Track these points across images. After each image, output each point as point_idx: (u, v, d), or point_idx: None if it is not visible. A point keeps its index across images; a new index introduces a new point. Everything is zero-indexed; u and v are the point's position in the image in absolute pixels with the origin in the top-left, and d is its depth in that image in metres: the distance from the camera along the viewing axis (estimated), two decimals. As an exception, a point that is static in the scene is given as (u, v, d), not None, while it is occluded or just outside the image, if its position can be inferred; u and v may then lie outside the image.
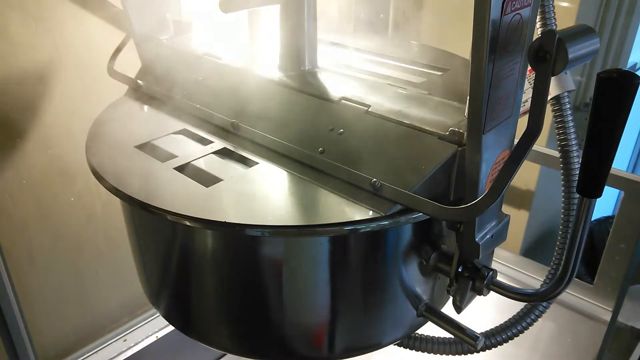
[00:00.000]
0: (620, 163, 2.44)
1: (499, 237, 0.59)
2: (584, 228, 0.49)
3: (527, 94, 0.63)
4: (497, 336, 0.72)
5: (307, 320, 0.62)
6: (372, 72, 0.75)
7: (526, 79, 0.56)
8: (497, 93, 0.49)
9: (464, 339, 0.61)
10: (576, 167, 0.70)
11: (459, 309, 0.60)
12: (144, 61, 0.83)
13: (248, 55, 0.80)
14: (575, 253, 0.51)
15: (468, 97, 0.49)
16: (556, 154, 0.72)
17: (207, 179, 0.60)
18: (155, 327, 1.13)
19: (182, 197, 0.57)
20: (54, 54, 0.89)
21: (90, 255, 1.05)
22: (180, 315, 0.69)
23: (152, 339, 1.11)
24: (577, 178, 0.60)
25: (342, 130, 0.60)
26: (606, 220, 1.78)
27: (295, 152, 0.61)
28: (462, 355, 0.73)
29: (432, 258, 0.60)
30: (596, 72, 0.47)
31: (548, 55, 0.44)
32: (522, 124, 0.51)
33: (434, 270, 0.62)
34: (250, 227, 0.52)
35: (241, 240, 0.57)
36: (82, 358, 1.07)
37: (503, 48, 0.47)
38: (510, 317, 0.73)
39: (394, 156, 0.57)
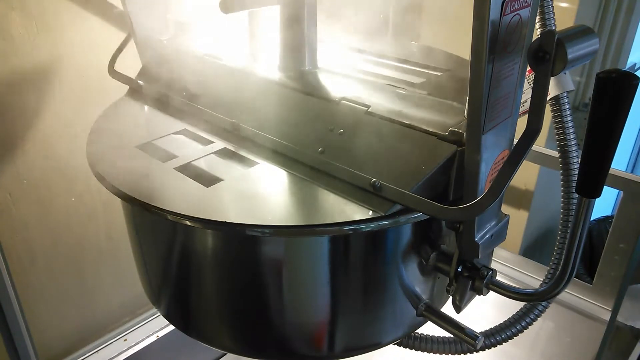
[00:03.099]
0: (620, 163, 2.44)
1: (499, 236, 0.59)
2: (583, 228, 0.49)
3: (527, 94, 0.64)
4: (496, 335, 0.72)
5: (307, 319, 0.62)
6: (372, 73, 0.75)
7: (526, 79, 0.57)
8: (497, 93, 0.49)
9: (464, 339, 0.61)
10: (575, 167, 0.70)
11: (458, 308, 0.60)
12: (145, 61, 0.83)
13: (248, 55, 0.80)
14: (575, 253, 0.51)
15: (468, 97, 0.49)
16: (555, 154, 0.72)
17: (208, 179, 0.60)
18: (156, 327, 1.13)
19: (182, 197, 0.57)
20: (55, 54, 0.89)
21: (91, 255, 1.05)
22: (181, 314, 0.69)
23: (153, 338, 1.11)
24: (576, 178, 0.60)
25: (342, 130, 0.60)
26: (605, 220, 1.78)
27: (295, 152, 0.61)
28: (462, 355, 0.73)
29: (432, 258, 0.60)
30: (595, 72, 0.47)
31: (547, 55, 0.44)
32: (522, 124, 0.51)
33: (433, 270, 0.62)
34: (250, 227, 0.52)
35: (241, 240, 0.58)
36: (82, 357, 1.07)
37: (502, 48, 0.47)
38: (510, 316, 0.74)
39: (394, 156, 0.57)
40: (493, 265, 0.61)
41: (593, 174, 0.47)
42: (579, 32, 0.46)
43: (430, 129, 0.56)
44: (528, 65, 0.47)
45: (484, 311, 0.85)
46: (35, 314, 0.99)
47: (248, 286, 0.60)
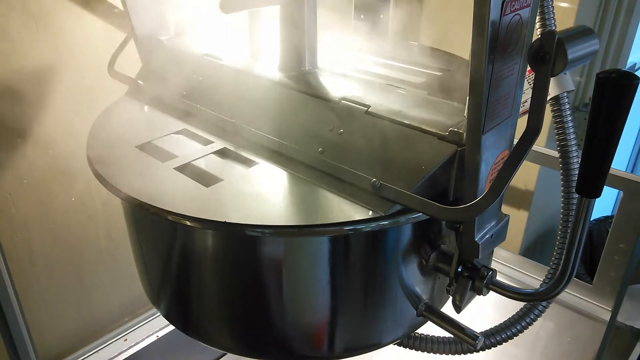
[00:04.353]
0: (620, 163, 2.44)
1: (499, 237, 0.59)
2: (583, 228, 0.49)
3: (527, 94, 0.64)
4: (496, 335, 0.72)
5: (307, 319, 0.62)
6: (372, 73, 0.75)
7: (526, 79, 0.57)
8: (497, 93, 0.49)
9: (464, 339, 0.61)
10: (575, 167, 0.70)
11: (458, 308, 0.60)
12: (145, 61, 0.83)
13: (248, 55, 0.80)
14: (575, 253, 0.51)
15: (468, 97, 0.49)
16: (555, 154, 0.72)
17: (208, 179, 0.60)
18: (156, 327, 1.13)
19: (182, 197, 0.57)
20: (55, 54, 0.89)
21: (90, 255, 1.05)
22: (181, 314, 0.69)
23: (153, 338, 1.11)
24: (576, 178, 0.60)
25: (342, 130, 0.60)
26: (605, 220, 1.78)
27: (295, 152, 0.61)
28: (462, 355, 0.73)
29: (432, 258, 0.60)
30: (595, 72, 0.47)
31: (548, 55, 0.44)
32: (522, 124, 0.51)
33: (433, 270, 0.62)
34: (250, 227, 0.52)
35: (241, 240, 0.58)
36: (82, 357, 1.07)
37: (503, 48, 0.47)
38: (510, 316, 0.74)
39: (394, 156, 0.57)
40: (493, 265, 0.61)
41: (593, 174, 0.47)
42: (579, 33, 0.46)
43: (430, 129, 0.56)
44: (528, 65, 0.47)
45: (484, 311, 0.86)
46: (35, 314, 0.99)
47: (248, 286, 0.60)
